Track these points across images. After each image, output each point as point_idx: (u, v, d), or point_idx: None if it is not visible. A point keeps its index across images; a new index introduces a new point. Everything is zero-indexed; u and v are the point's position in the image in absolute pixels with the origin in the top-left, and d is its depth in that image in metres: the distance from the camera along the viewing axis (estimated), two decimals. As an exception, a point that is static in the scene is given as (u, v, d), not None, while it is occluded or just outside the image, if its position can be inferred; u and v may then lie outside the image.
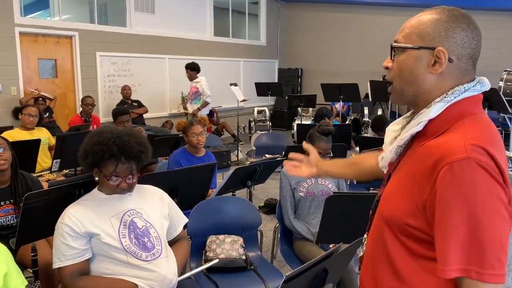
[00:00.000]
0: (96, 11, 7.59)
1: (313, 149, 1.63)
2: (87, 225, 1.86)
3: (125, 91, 7.39)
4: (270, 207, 4.87)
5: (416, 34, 1.03)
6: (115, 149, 1.87)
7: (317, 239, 2.55)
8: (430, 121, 1.01)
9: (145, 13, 8.28)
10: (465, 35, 1.00)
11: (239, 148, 7.51)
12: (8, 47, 6.38)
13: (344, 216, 2.32)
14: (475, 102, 1.02)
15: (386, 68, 1.11)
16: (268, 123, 8.91)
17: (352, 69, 10.43)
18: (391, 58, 1.09)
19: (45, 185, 3.22)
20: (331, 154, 2.94)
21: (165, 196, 2.20)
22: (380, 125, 4.89)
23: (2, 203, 2.59)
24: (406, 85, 1.06)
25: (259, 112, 9.05)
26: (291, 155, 1.65)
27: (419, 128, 1.02)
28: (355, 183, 3.81)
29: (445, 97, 1.00)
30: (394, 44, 1.08)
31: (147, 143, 2.01)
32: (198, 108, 6.93)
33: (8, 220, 2.60)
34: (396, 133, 1.13)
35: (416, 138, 1.06)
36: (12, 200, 2.61)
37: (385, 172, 1.19)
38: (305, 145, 1.66)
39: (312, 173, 1.59)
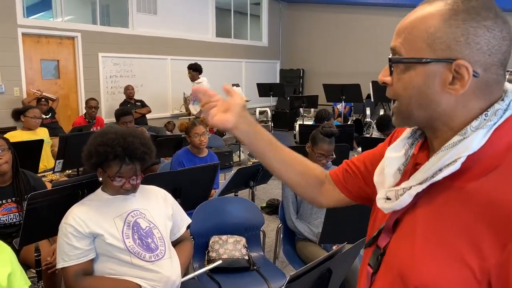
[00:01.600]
0: (99, 12, 7.61)
1: (238, 95, 1.10)
2: (91, 225, 1.87)
3: (128, 91, 7.41)
4: (272, 208, 4.87)
5: (422, 40, 0.75)
6: (119, 150, 1.87)
7: (320, 240, 2.55)
8: (470, 154, 0.72)
9: (147, 14, 8.30)
10: (493, 36, 0.71)
11: (241, 148, 7.51)
12: (11, 48, 6.40)
13: (347, 216, 2.32)
14: None
15: (384, 83, 0.83)
16: (270, 123, 8.91)
17: (353, 69, 10.43)
18: (391, 75, 0.81)
19: (48, 186, 3.24)
20: (334, 156, 2.94)
21: (169, 196, 2.21)
22: (385, 124, 4.90)
23: (4, 201, 2.60)
24: (416, 108, 0.78)
25: (261, 112, 9.06)
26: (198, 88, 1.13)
27: (456, 166, 0.72)
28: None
29: (484, 119, 0.72)
30: (393, 58, 0.79)
31: (151, 144, 2.01)
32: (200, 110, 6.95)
33: (11, 218, 2.61)
34: (400, 162, 0.85)
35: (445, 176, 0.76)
36: (14, 199, 2.63)
37: (386, 212, 0.86)
38: (226, 86, 1.11)
39: (226, 120, 1.04)
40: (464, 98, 0.74)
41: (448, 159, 0.73)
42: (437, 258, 0.72)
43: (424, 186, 0.76)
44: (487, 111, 0.73)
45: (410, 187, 0.78)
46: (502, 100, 0.74)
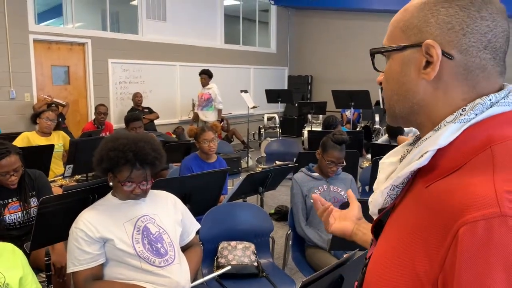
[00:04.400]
0: (109, 19, 7.68)
1: (356, 205, 1.21)
2: (101, 230, 1.87)
3: (137, 98, 7.45)
4: (281, 214, 4.85)
5: (400, 29, 0.74)
6: (130, 155, 1.88)
7: (330, 247, 2.53)
8: (440, 150, 0.67)
9: (157, 21, 8.36)
10: (467, 15, 0.66)
11: (249, 154, 7.52)
12: (22, 54, 6.47)
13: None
14: (507, 121, 0.66)
15: (381, 84, 0.80)
16: (278, 130, 8.91)
17: (362, 76, 10.39)
18: (375, 69, 0.82)
19: (57, 190, 3.26)
20: (344, 163, 2.93)
21: (178, 202, 2.21)
22: (395, 131, 4.89)
23: (9, 200, 2.65)
24: (396, 100, 0.75)
25: (269, 119, 9.06)
26: (316, 197, 1.24)
27: (423, 162, 0.68)
28: (367, 190, 3.79)
29: (460, 114, 0.67)
30: (374, 49, 0.78)
31: (161, 149, 2.02)
32: (218, 120, 6.98)
33: (18, 217, 2.65)
34: (393, 167, 0.79)
35: (419, 174, 0.72)
36: (18, 197, 2.67)
37: (374, 217, 0.84)
38: (349, 193, 1.25)
39: (345, 228, 1.16)
40: (442, 85, 0.69)
41: (417, 154, 0.70)
42: (391, 264, 0.68)
43: (396, 182, 0.74)
44: (466, 106, 0.67)
45: (388, 187, 0.76)
46: (487, 95, 0.67)
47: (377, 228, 0.82)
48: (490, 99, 0.66)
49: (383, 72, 0.79)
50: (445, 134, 0.67)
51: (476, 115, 0.66)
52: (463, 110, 0.67)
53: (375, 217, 0.83)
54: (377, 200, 0.78)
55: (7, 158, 2.52)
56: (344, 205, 2.43)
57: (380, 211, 0.81)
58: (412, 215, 0.68)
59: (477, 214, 0.56)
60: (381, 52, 0.77)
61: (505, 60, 0.71)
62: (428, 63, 0.69)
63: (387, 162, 0.82)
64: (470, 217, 0.56)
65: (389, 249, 0.70)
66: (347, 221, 1.16)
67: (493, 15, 0.67)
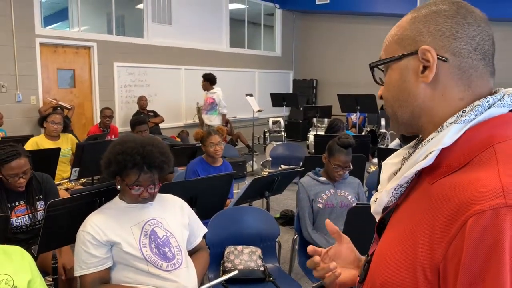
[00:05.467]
0: (114, 23, 7.71)
1: (345, 238, 1.06)
2: (108, 233, 1.87)
3: (142, 101, 7.47)
4: (286, 219, 4.84)
5: (395, 42, 0.80)
6: (138, 158, 1.88)
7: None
8: (444, 150, 0.72)
9: (162, 25, 8.38)
10: (455, 22, 0.74)
11: (254, 158, 7.51)
12: (29, 58, 6.51)
13: (367, 227, 2.29)
14: (506, 122, 0.72)
15: (381, 98, 0.86)
16: (283, 133, 8.90)
17: (366, 80, 10.33)
18: (376, 82, 0.87)
19: (63, 194, 3.26)
20: (351, 167, 2.91)
21: (185, 205, 2.20)
22: (408, 136, 4.87)
23: (16, 203, 2.65)
24: (398, 106, 0.81)
25: (274, 122, 9.05)
26: (311, 251, 1.02)
27: (428, 161, 0.73)
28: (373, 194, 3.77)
29: (461, 115, 0.72)
30: (373, 63, 0.84)
31: (169, 153, 2.02)
32: (223, 124, 6.97)
33: (25, 220, 2.66)
34: (396, 168, 0.83)
35: (424, 173, 0.76)
36: (25, 200, 2.67)
37: (377, 219, 0.88)
38: (331, 227, 1.04)
39: (354, 276, 0.99)
40: (440, 86, 0.75)
41: (422, 154, 0.74)
42: (395, 257, 0.72)
43: (402, 181, 0.78)
44: (466, 108, 0.72)
45: (393, 187, 0.80)
46: (485, 97, 0.73)
47: (379, 226, 0.87)
48: (488, 101, 0.72)
49: (383, 85, 0.85)
50: (448, 135, 0.71)
51: (476, 115, 0.71)
52: (463, 111, 0.72)
53: (377, 216, 0.87)
54: (383, 199, 0.82)
55: (17, 160, 2.54)
56: (351, 212, 2.43)
57: (383, 210, 0.86)
58: (417, 210, 0.73)
59: (485, 205, 0.60)
60: (380, 63, 0.83)
61: (493, 62, 0.77)
62: (425, 68, 0.75)
63: (389, 163, 0.87)
64: (477, 208, 0.61)
65: (393, 242, 0.75)
66: (351, 268, 1.01)
67: (477, 21, 0.75)
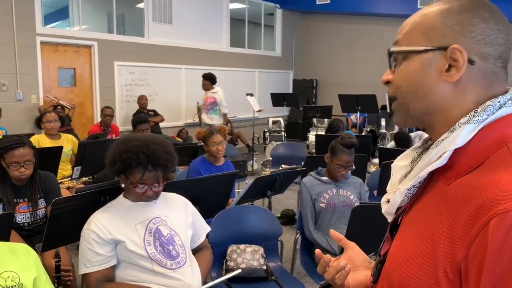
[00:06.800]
0: (115, 22, 7.71)
1: (352, 243, 1.06)
2: (113, 231, 1.87)
3: (142, 101, 7.47)
4: (287, 218, 4.84)
5: (420, 32, 0.77)
6: (142, 157, 1.88)
7: (341, 250, 2.52)
8: (457, 150, 0.72)
9: (163, 24, 8.39)
10: (488, 27, 0.72)
11: (254, 158, 7.51)
12: (30, 56, 6.50)
13: (371, 227, 2.29)
14: None
15: (387, 83, 0.84)
16: (282, 133, 8.90)
17: (367, 80, 10.41)
18: (390, 68, 0.83)
19: (65, 193, 3.26)
20: (354, 167, 2.92)
21: (189, 204, 2.21)
22: (403, 141, 4.89)
23: (20, 200, 2.66)
24: (412, 100, 0.78)
25: (274, 122, 9.05)
26: (319, 254, 1.04)
27: (442, 161, 0.73)
28: (375, 194, 3.78)
29: (473, 116, 0.72)
30: (393, 48, 0.82)
31: (173, 151, 2.02)
32: (225, 123, 6.99)
33: (27, 217, 2.67)
34: (406, 170, 0.83)
35: (437, 174, 0.76)
36: (28, 198, 2.68)
37: (389, 220, 0.88)
38: (335, 236, 1.07)
39: (365, 277, 0.97)
40: (460, 87, 0.74)
41: (435, 155, 0.74)
42: (413, 258, 0.72)
43: (416, 182, 0.78)
44: (478, 108, 0.72)
45: (406, 188, 0.80)
46: (496, 97, 0.73)
47: (392, 227, 0.87)
48: (499, 101, 0.72)
49: (393, 70, 0.83)
50: (461, 135, 0.71)
51: (488, 116, 0.71)
52: (475, 112, 0.72)
53: (390, 216, 0.87)
54: (396, 200, 0.82)
55: (20, 149, 2.55)
56: (354, 211, 2.44)
57: (396, 211, 0.85)
58: (433, 210, 0.73)
59: (508, 205, 0.60)
60: (403, 52, 0.79)
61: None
62: (450, 67, 0.73)
63: (398, 165, 0.87)
64: (501, 208, 0.61)
65: (409, 242, 0.74)
66: (362, 270, 0.99)
67: (506, 29, 0.74)
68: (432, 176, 0.77)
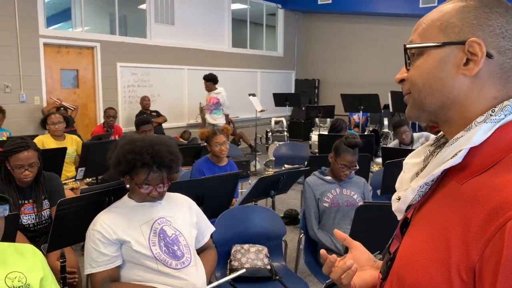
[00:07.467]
0: (117, 23, 7.72)
1: (356, 243, 1.06)
2: (118, 232, 1.88)
3: (145, 101, 7.48)
4: (290, 218, 4.84)
5: (437, 28, 0.77)
6: (147, 157, 1.89)
7: (346, 249, 2.53)
8: (472, 149, 0.71)
9: (165, 25, 8.40)
10: (506, 22, 0.72)
11: (257, 158, 7.51)
12: (33, 58, 6.52)
13: (375, 226, 2.30)
14: None
15: (401, 81, 0.83)
16: (285, 133, 8.90)
17: (369, 80, 10.40)
18: (406, 67, 0.82)
19: (69, 194, 3.27)
20: (357, 167, 2.92)
21: (193, 204, 2.22)
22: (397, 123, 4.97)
23: (25, 201, 2.68)
24: (428, 94, 0.77)
25: (276, 122, 9.06)
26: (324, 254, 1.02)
27: (457, 159, 0.72)
28: (379, 194, 3.78)
29: (491, 115, 0.71)
30: (409, 45, 0.80)
31: (178, 152, 2.03)
32: (228, 123, 7.01)
33: (32, 218, 2.68)
34: (418, 167, 0.83)
35: (450, 172, 0.76)
36: (33, 199, 2.70)
37: (399, 218, 0.87)
38: (341, 236, 1.08)
39: (372, 276, 0.97)
40: (479, 82, 0.73)
41: (450, 153, 0.73)
42: (426, 257, 0.70)
43: (429, 180, 0.76)
44: (495, 107, 0.72)
45: (419, 185, 0.79)
46: None
47: (402, 224, 0.86)
48: None
49: (408, 68, 0.82)
50: (478, 133, 0.70)
51: (505, 115, 0.70)
52: (493, 111, 0.71)
53: (400, 214, 0.86)
54: (408, 197, 0.81)
55: (25, 152, 2.57)
56: (359, 210, 2.44)
57: (406, 208, 0.84)
58: (446, 210, 0.72)
59: None
60: (419, 47, 0.78)
61: None
62: (468, 61, 0.73)
63: (410, 162, 0.86)
64: None
65: (421, 241, 0.73)
66: (367, 269, 0.99)
67: None
68: (446, 175, 0.77)
